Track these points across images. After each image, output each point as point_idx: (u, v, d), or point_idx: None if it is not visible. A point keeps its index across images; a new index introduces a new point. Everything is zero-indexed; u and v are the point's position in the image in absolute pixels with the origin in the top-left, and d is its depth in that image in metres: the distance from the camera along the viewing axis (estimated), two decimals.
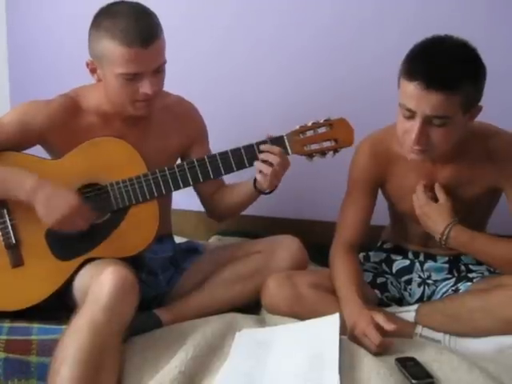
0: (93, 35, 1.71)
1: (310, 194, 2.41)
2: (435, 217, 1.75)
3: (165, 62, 1.74)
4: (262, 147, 1.77)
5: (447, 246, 1.74)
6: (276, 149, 1.75)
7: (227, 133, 2.14)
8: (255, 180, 1.80)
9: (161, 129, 1.88)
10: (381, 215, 1.98)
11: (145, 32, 1.66)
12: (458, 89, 1.56)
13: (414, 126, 1.60)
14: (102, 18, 1.69)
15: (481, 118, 1.69)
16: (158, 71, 1.73)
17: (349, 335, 1.64)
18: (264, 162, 1.75)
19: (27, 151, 1.77)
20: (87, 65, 1.74)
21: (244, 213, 2.01)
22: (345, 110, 1.82)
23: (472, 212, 1.81)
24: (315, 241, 2.02)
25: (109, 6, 1.72)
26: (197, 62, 2.41)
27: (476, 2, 2.17)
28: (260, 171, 1.75)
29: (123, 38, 1.64)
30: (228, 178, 1.90)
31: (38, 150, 1.81)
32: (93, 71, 1.75)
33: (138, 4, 1.73)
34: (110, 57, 1.67)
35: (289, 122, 1.80)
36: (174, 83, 1.83)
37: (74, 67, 1.78)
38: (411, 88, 1.58)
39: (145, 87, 1.70)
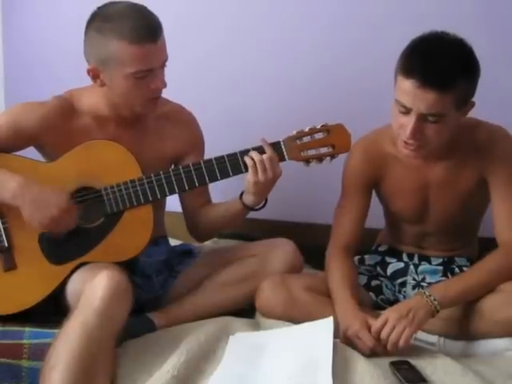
0: (94, 39, 1.69)
1: (306, 196, 2.40)
2: (412, 316, 1.59)
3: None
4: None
5: (446, 308, 1.62)
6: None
7: (223, 139, 2.13)
8: (241, 195, 1.80)
9: (156, 133, 1.87)
10: (376, 218, 1.98)
11: (152, 26, 1.68)
12: (454, 87, 1.57)
13: (410, 121, 1.61)
14: (101, 21, 1.68)
15: (476, 115, 1.71)
16: (165, 65, 1.74)
17: (342, 336, 1.63)
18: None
19: (21, 153, 1.77)
20: (88, 72, 1.72)
21: None
22: (342, 115, 1.81)
23: (465, 210, 1.82)
24: (310, 244, 2.01)
25: (103, 10, 1.71)
26: (192, 67, 2.40)
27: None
28: (249, 165, 1.72)
29: (134, 36, 1.65)
30: (221, 184, 1.88)
31: (32, 153, 1.81)
32: (95, 77, 1.73)
33: (128, 2, 1.73)
34: (119, 58, 1.66)
35: (286, 128, 1.78)
36: (169, 88, 1.82)
37: (70, 68, 1.77)
38: (407, 85, 1.58)
39: (157, 82, 1.72)
